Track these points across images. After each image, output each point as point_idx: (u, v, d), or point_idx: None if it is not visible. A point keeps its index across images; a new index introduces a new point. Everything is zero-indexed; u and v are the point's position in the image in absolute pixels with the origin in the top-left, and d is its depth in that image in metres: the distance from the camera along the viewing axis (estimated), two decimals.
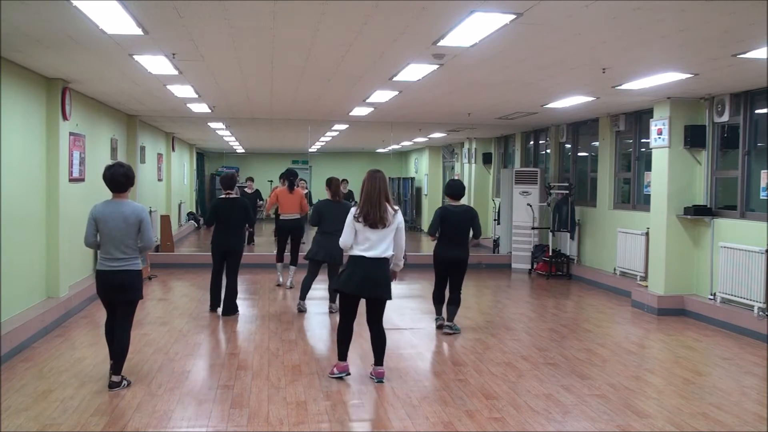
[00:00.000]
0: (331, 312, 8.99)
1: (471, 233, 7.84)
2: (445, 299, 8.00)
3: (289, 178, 10.75)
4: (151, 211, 14.75)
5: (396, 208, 6.02)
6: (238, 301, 9.04)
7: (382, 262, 5.88)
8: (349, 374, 6.06)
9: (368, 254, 5.81)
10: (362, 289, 5.84)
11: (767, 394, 5.83)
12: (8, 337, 6.50)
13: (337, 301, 8.96)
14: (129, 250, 5.59)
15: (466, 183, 17.58)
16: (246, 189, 16.00)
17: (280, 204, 10.71)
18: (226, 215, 8.72)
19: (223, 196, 8.95)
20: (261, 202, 16.32)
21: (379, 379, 5.99)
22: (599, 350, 7.22)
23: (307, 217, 10.87)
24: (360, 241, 5.86)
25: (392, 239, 5.96)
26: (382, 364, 6.06)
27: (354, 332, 6.09)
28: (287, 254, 11.08)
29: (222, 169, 22.49)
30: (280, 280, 11.12)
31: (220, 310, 8.83)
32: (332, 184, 8.90)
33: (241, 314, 8.86)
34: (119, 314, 5.73)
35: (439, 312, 8.14)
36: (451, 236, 7.73)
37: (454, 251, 7.75)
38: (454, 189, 7.92)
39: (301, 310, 8.98)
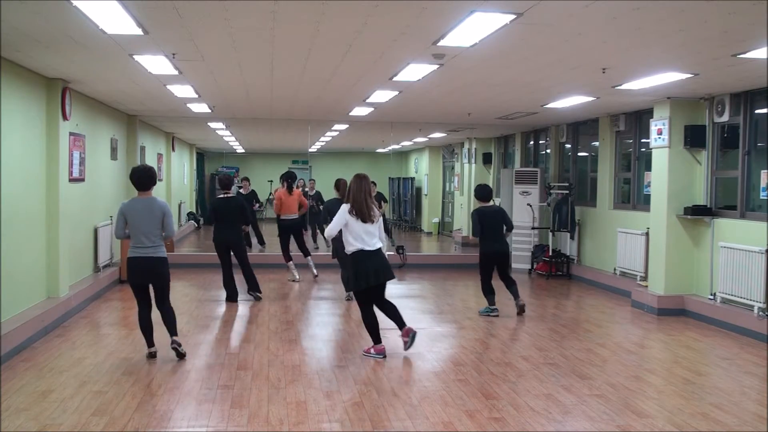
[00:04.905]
0: (348, 300, 9.69)
1: (504, 228, 8.86)
2: (494, 290, 8.93)
3: (287, 180, 11.35)
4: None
5: (379, 211, 6.78)
6: (239, 300, 9.67)
7: (380, 252, 6.67)
8: (385, 357, 6.66)
9: (369, 247, 6.55)
10: (379, 277, 6.58)
11: (767, 394, 5.83)
12: (8, 337, 6.50)
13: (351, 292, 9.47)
14: (156, 239, 6.48)
15: (465, 183, 17.69)
16: (241, 190, 16.05)
17: (281, 205, 11.23)
18: (223, 213, 9.49)
19: (221, 195, 9.67)
20: (258, 204, 16.48)
21: (412, 336, 6.73)
22: (599, 350, 7.22)
23: (306, 216, 11.40)
24: (356, 236, 6.55)
25: (378, 232, 6.69)
26: (406, 324, 6.81)
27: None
28: (296, 252, 11.61)
29: (222, 169, 22.49)
30: (296, 276, 11.48)
31: (240, 297, 9.71)
32: (340, 185, 9.43)
33: (241, 314, 8.94)
34: (157, 296, 6.66)
35: (492, 302, 8.91)
36: (492, 234, 8.76)
37: (499, 246, 8.84)
38: (485, 192, 8.90)
39: (349, 299, 9.67)
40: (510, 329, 8.17)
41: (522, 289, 11.50)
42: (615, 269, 11.10)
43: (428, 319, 8.78)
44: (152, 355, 6.56)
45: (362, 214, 6.54)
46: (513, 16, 5.00)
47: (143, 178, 6.53)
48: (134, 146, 12.90)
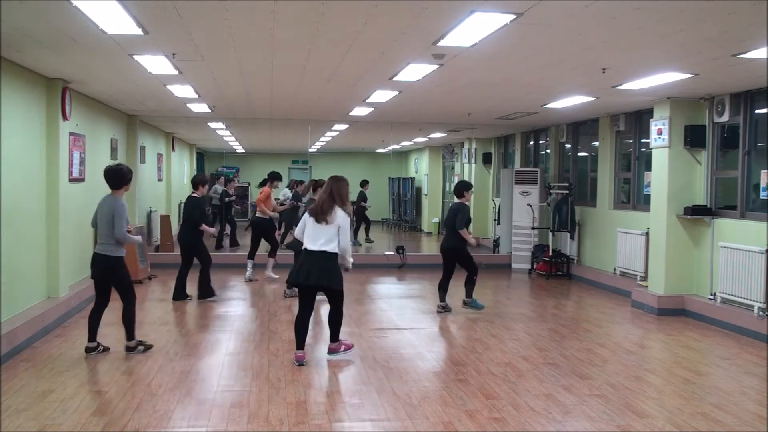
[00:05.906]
0: (284, 296, 9.99)
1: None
2: (447, 287, 9.06)
3: (269, 178, 11.48)
4: (150, 211, 14.76)
5: (346, 211, 6.47)
6: (239, 300, 9.65)
7: (323, 255, 6.33)
8: (303, 364, 6.41)
9: (310, 247, 6.38)
10: (308, 278, 6.34)
11: (767, 394, 5.83)
12: (8, 337, 6.50)
13: (293, 289, 9.53)
14: (107, 238, 6.52)
15: None
16: (227, 190, 16.15)
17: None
18: (185, 213, 9.65)
19: (189, 194, 9.68)
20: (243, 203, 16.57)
21: (331, 353, 6.71)
22: (599, 350, 7.22)
23: (270, 218, 11.43)
24: (308, 235, 6.44)
25: (334, 236, 6.36)
26: (337, 341, 6.77)
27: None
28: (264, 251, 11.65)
29: (222, 169, 22.51)
30: (267, 274, 11.49)
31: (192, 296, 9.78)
32: (315, 186, 9.43)
33: (241, 314, 8.92)
34: (119, 294, 6.70)
35: (441, 298, 9.08)
36: (446, 229, 9.14)
37: (445, 242, 9.14)
38: (455, 187, 9.19)
39: (287, 296, 10.03)
40: (510, 329, 8.17)
41: (522, 289, 11.57)
42: (615, 269, 11.10)
43: (428, 319, 8.78)
44: (89, 350, 6.66)
45: (315, 215, 6.40)
46: (513, 16, 5.01)
47: (109, 178, 6.65)
48: (134, 146, 12.90)
